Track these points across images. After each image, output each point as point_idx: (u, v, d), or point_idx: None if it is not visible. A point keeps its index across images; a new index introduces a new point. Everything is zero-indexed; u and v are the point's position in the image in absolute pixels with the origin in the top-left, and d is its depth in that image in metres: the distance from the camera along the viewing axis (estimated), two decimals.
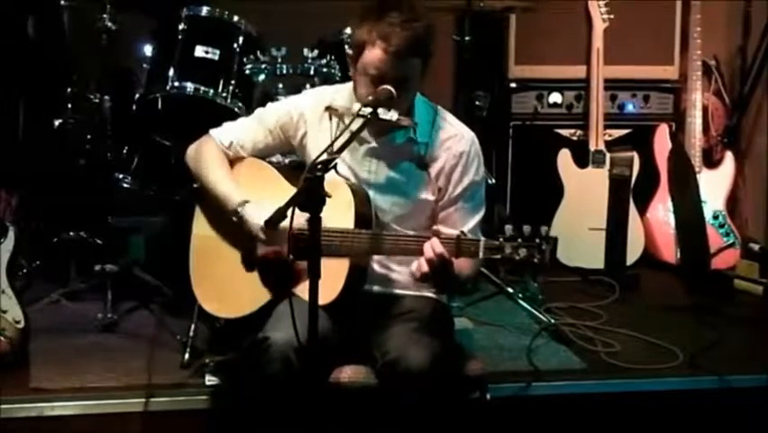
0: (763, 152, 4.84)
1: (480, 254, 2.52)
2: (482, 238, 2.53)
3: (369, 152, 2.81)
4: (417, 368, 2.55)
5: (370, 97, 2.63)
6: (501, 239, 2.49)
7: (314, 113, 2.85)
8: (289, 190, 2.76)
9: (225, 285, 2.86)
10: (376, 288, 2.81)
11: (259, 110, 2.97)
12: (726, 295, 4.22)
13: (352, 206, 2.66)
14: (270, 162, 2.98)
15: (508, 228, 2.49)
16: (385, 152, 2.81)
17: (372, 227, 2.68)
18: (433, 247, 2.52)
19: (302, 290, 2.38)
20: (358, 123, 2.61)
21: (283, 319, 2.49)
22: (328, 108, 2.78)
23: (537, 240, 2.47)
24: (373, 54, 2.65)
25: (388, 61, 2.63)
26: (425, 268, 2.54)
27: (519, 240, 2.48)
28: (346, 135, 2.57)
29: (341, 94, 2.85)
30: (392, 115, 2.62)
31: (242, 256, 2.82)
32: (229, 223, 2.79)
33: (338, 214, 2.61)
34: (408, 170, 2.80)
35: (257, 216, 2.68)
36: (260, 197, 2.77)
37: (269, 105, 2.99)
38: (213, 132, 2.95)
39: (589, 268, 4.41)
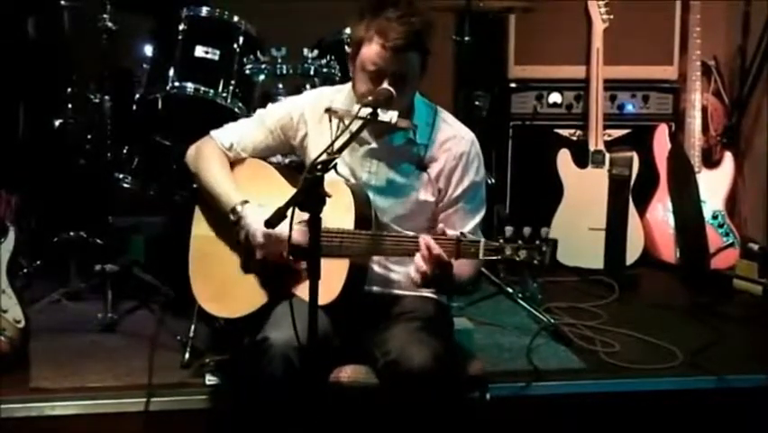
0: (762, 152, 4.84)
1: (480, 255, 2.52)
2: (482, 239, 2.53)
3: (368, 152, 2.81)
4: (419, 368, 2.55)
5: (370, 98, 2.63)
6: (501, 240, 2.49)
7: (314, 113, 2.86)
8: (290, 191, 2.76)
9: (224, 285, 2.86)
10: (376, 288, 2.81)
11: (259, 111, 2.98)
12: (725, 295, 4.23)
13: (353, 206, 2.67)
14: (270, 163, 2.99)
15: (509, 229, 2.49)
16: (385, 152, 2.81)
17: (372, 228, 2.68)
18: (428, 244, 2.51)
19: (302, 290, 2.38)
20: (357, 123, 2.61)
21: (283, 319, 2.49)
22: (328, 110, 2.79)
23: (537, 242, 2.47)
24: (371, 50, 2.66)
25: (387, 56, 2.64)
26: (423, 266, 2.53)
27: (519, 242, 2.48)
28: (346, 136, 2.57)
29: (341, 94, 2.86)
30: (392, 117, 2.62)
31: (240, 260, 2.81)
32: (228, 224, 2.79)
33: (338, 214, 2.62)
34: (408, 171, 2.81)
35: (256, 218, 2.68)
36: (261, 197, 2.77)
37: (270, 105, 3.00)
38: (213, 133, 2.95)
39: (588, 268, 4.41)
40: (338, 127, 2.74)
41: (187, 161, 2.97)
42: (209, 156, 2.90)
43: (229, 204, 2.77)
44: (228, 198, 2.78)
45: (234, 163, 2.92)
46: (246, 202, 2.75)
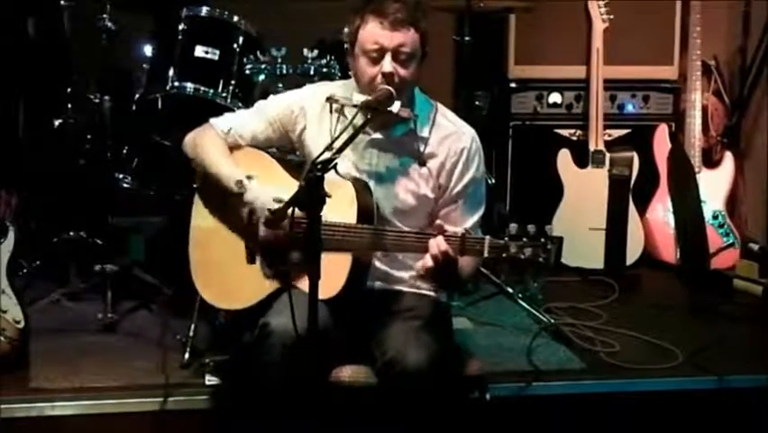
0: (762, 152, 4.84)
1: (485, 253, 2.52)
2: (487, 237, 2.53)
3: (369, 143, 2.81)
4: (415, 368, 2.56)
5: (370, 98, 2.64)
6: (506, 238, 2.49)
7: (314, 108, 2.86)
8: (287, 179, 2.78)
9: (227, 276, 2.86)
10: (377, 284, 2.81)
11: (260, 102, 2.98)
12: (725, 295, 4.22)
13: (355, 200, 2.67)
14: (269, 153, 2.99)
15: (513, 227, 2.48)
16: (385, 144, 2.81)
17: (374, 222, 2.68)
18: (438, 245, 2.52)
19: (304, 283, 2.37)
20: (358, 117, 2.61)
21: (285, 308, 2.48)
22: (329, 99, 2.78)
23: (543, 239, 2.47)
24: (369, 30, 2.69)
25: (386, 32, 2.66)
26: (430, 264, 2.54)
27: (524, 239, 2.47)
28: (347, 133, 2.57)
29: (342, 89, 2.86)
30: (393, 106, 2.63)
31: (245, 248, 2.79)
32: (230, 212, 2.78)
33: (341, 208, 2.62)
34: (408, 165, 2.81)
35: (262, 193, 2.67)
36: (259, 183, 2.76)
37: (271, 97, 3.00)
38: (212, 120, 2.96)
39: (589, 268, 4.41)
40: (338, 119, 2.74)
41: (184, 147, 2.95)
42: (208, 139, 2.89)
43: (232, 178, 2.74)
44: (230, 175, 2.76)
45: (233, 150, 2.90)
46: (250, 177, 2.74)
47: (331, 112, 2.78)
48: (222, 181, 2.79)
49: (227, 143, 2.90)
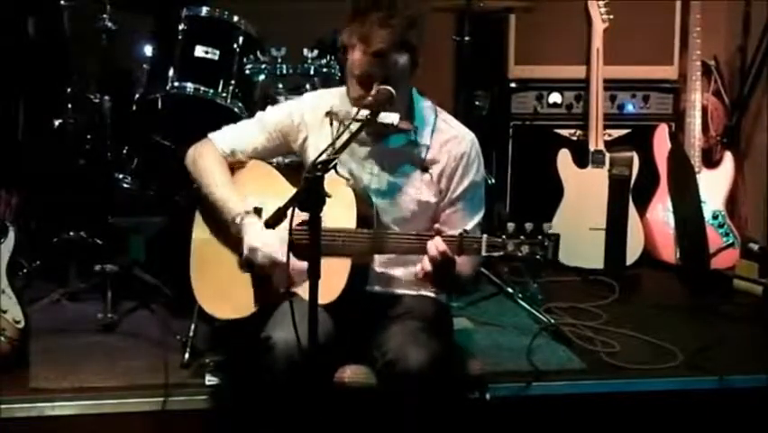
0: (762, 152, 4.84)
1: (483, 251, 2.53)
2: (485, 235, 2.54)
3: (369, 154, 2.81)
4: (416, 368, 2.55)
5: (370, 98, 2.64)
6: (504, 236, 2.49)
7: (314, 116, 2.86)
8: (291, 191, 2.77)
9: (226, 287, 2.85)
10: (376, 288, 2.82)
11: (259, 114, 2.97)
12: (725, 295, 4.22)
13: (354, 206, 2.67)
14: (270, 163, 2.98)
15: (511, 225, 2.49)
16: (386, 154, 2.81)
17: (374, 227, 2.68)
18: (436, 246, 2.53)
19: (303, 289, 2.38)
20: (358, 124, 2.62)
21: (286, 319, 2.49)
22: (329, 113, 2.79)
23: (540, 237, 2.47)
24: (355, 56, 2.69)
25: (370, 62, 2.66)
26: (428, 267, 2.55)
27: (522, 237, 2.48)
28: (346, 135, 2.57)
29: (341, 96, 2.85)
30: (393, 119, 2.62)
31: (238, 261, 2.81)
32: (226, 227, 2.79)
33: (340, 214, 2.62)
34: (409, 173, 2.81)
35: (255, 234, 2.68)
36: (262, 197, 2.77)
37: (270, 108, 2.99)
38: (212, 135, 2.94)
39: (588, 268, 4.41)
40: (338, 129, 2.74)
41: (186, 164, 2.95)
42: (208, 160, 2.88)
43: (229, 214, 2.76)
44: (227, 208, 2.77)
45: (235, 164, 2.91)
46: (248, 213, 2.74)
47: (331, 124, 2.78)
48: (218, 211, 2.80)
49: (229, 161, 2.90)
